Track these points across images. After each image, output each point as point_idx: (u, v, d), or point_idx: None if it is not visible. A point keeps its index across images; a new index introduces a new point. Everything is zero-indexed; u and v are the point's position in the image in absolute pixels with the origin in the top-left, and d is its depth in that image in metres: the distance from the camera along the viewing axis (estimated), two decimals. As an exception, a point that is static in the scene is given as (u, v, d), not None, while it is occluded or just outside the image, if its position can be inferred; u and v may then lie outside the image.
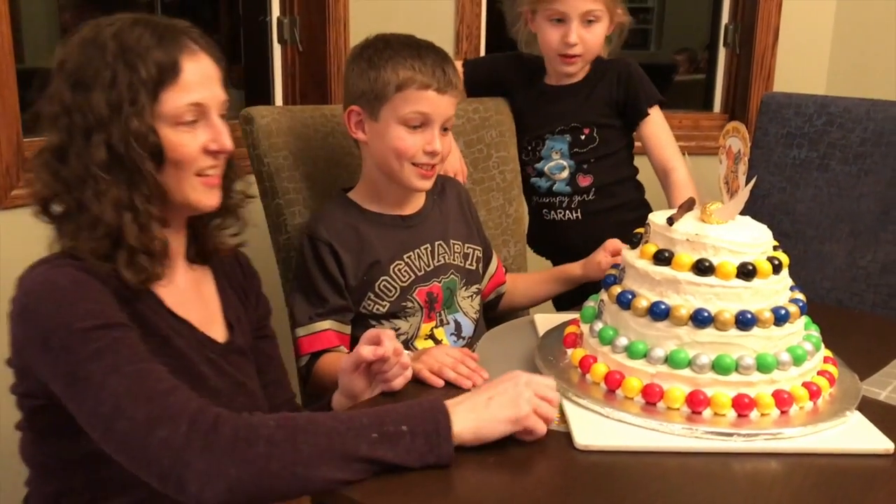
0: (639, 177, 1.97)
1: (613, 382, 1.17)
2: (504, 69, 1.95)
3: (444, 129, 1.49)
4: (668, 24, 7.25)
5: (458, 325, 1.59)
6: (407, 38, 1.49)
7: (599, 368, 1.20)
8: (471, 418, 1.03)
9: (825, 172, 1.95)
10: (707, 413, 1.13)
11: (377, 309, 1.51)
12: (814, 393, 1.16)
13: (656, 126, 1.88)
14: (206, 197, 1.16)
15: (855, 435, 1.12)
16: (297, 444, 0.95)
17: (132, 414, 0.96)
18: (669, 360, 1.14)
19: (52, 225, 1.13)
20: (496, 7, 2.47)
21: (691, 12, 5.35)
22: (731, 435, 1.09)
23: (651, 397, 1.14)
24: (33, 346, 1.03)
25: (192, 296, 1.22)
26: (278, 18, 2.32)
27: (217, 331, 1.24)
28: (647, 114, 1.86)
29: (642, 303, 1.16)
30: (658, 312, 1.15)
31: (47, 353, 1.01)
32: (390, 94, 1.44)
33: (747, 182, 1.18)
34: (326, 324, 1.48)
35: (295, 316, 1.49)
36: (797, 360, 1.16)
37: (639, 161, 1.97)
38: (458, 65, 1.94)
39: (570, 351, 1.29)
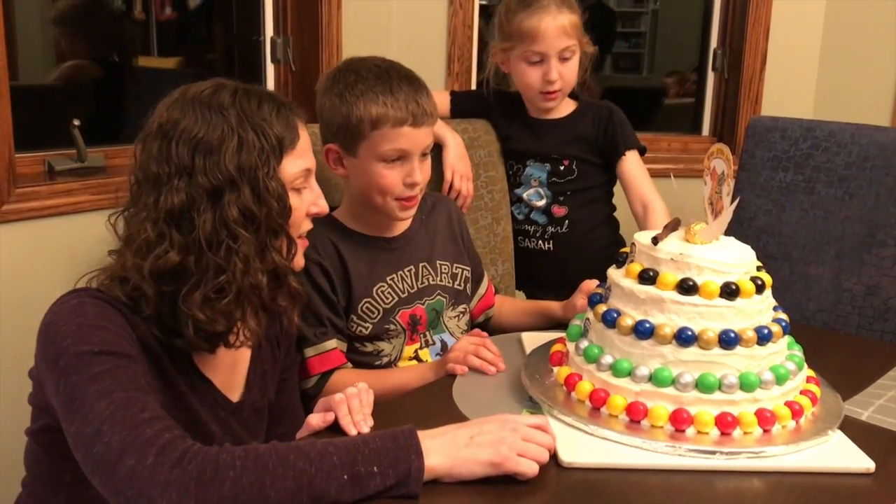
0: (617, 216, 2.01)
1: (598, 400, 1.18)
2: (488, 101, 1.98)
3: (424, 155, 1.49)
4: (660, 49, 7.32)
5: (444, 345, 1.59)
6: (377, 69, 1.47)
7: (584, 386, 1.21)
8: (447, 454, 1.01)
9: (811, 195, 1.97)
10: (690, 431, 1.14)
11: (360, 331, 1.52)
12: (796, 412, 1.17)
13: (634, 166, 1.90)
14: (301, 259, 1.24)
15: (837, 454, 1.13)
16: (265, 489, 0.93)
17: (109, 439, 0.95)
18: (653, 379, 1.15)
19: (153, 287, 1.09)
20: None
21: (683, 37, 5.40)
22: (713, 453, 1.10)
23: (635, 415, 1.15)
24: (46, 363, 1.05)
25: (224, 357, 1.22)
26: (272, 38, 2.34)
27: (235, 390, 1.26)
28: (624, 154, 1.89)
29: (627, 321, 1.17)
30: (642, 331, 1.16)
31: (55, 371, 1.02)
32: (366, 132, 1.43)
33: (731, 203, 1.19)
34: (333, 342, 1.48)
35: (303, 336, 1.47)
36: (780, 380, 1.17)
37: (618, 200, 1.99)
38: (444, 95, 1.98)
39: (555, 369, 1.30)
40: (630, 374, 1.17)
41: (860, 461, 1.10)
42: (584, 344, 1.25)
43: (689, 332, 1.14)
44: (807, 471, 1.09)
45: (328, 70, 1.53)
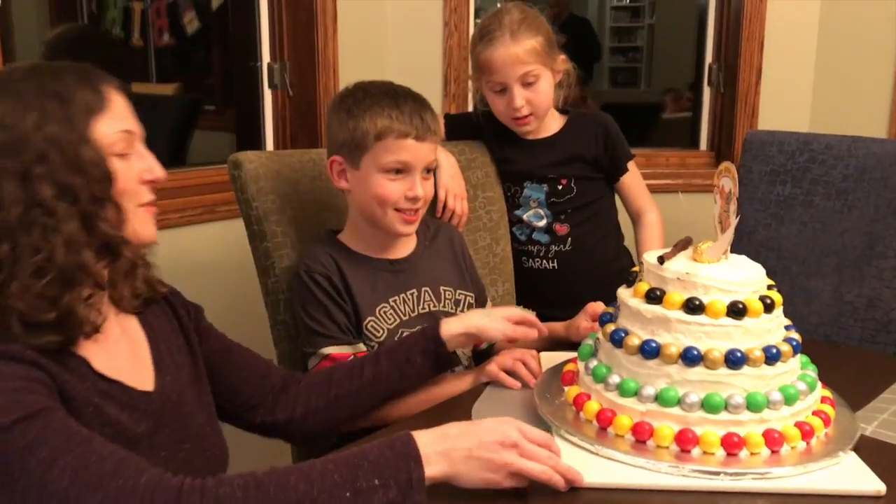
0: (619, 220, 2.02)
1: (605, 420, 1.18)
2: (478, 125, 1.98)
3: (428, 172, 1.51)
4: (657, 63, 7.34)
5: (452, 371, 1.59)
6: (385, 86, 1.51)
7: (592, 406, 1.20)
8: (444, 463, 1.00)
9: (809, 208, 1.97)
10: (696, 451, 1.13)
11: (371, 347, 1.52)
12: (806, 433, 1.15)
13: (634, 178, 1.96)
14: (151, 230, 1.13)
15: (847, 476, 1.11)
16: None
17: None
18: (659, 399, 1.15)
19: None
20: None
21: (680, 51, 5.42)
22: (718, 474, 1.09)
23: (641, 435, 1.15)
24: None
25: (121, 346, 1.13)
26: (269, 64, 2.35)
27: (146, 378, 1.15)
28: (627, 169, 1.94)
29: (634, 341, 1.17)
30: (649, 350, 1.16)
31: None
32: (370, 144, 1.46)
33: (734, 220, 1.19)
34: (361, 344, 1.49)
35: (320, 335, 1.47)
36: (789, 400, 1.16)
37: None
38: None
39: (566, 388, 1.29)
40: (636, 393, 1.17)
41: (870, 483, 1.09)
42: (593, 363, 1.24)
43: (695, 352, 1.13)
44: (814, 492, 1.08)
45: (338, 92, 1.56)
